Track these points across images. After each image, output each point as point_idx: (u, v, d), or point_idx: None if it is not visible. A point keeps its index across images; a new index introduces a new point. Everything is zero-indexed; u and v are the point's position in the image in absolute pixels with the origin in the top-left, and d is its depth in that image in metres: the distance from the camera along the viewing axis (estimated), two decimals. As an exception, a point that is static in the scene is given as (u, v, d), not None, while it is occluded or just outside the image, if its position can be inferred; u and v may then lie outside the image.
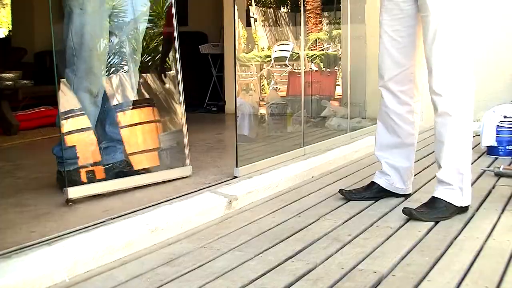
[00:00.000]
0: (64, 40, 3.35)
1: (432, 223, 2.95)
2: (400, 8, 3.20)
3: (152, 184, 3.49)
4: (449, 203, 3.06)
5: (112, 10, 3.48)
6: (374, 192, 3.45)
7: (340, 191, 3.50)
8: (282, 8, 17.80)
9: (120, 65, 3.62)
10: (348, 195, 3.46)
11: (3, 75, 6.27)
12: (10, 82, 6.27)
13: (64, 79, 3.36)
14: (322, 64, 9.78)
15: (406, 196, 3.48)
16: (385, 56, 3.30)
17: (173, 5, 3.68)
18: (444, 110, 3.03)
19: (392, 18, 3.24)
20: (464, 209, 3.11)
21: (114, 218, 2.78)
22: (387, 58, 3.28)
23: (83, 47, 3.35)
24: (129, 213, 2.87)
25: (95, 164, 3.35)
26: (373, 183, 3.48)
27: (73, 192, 3.08)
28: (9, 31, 13.09)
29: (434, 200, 3.10)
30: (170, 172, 3.68)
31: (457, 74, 3.01)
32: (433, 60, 3.03)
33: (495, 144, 4.88)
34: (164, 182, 3.57)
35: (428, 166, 4.32)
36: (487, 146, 4.92)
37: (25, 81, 6.47)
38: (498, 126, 4.88)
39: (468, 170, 3.11)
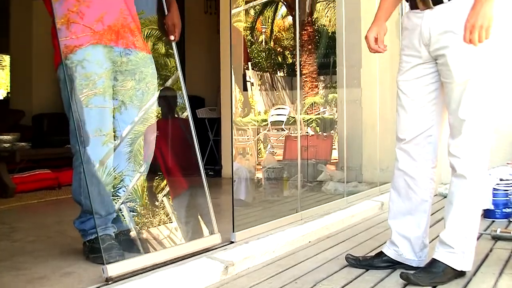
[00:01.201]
0: (66, 109, 3.22)
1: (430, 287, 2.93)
2: (418, 69, 3.12)
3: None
4: (449, 266, 3.03)
5: (117, 75, 3.37)
6: (383, 261, 3.30)
7: (347, 258, 3.40)
8: (278, 72, 18.03)
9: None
10: (355, 262, 3.36)
11: (1, 137, 6.30)
12: (8, 144, 6.29)
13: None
14: (318, 128, 9.86)
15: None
16: (403, 117, 3.19)
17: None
18: (461, 173, 3.00)
19: (410, 78, 3.14)
20: (462, 273, 3.10)
21: (108, 284, 2.76)
22: (405, 119, 3.18)
23: (90, 119, 3.19)
24: (124, 278, 2.85)
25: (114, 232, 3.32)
26: (382, 252, 3.35)
27: (112, 269, 2.85)
28: (8, 93, 13.23)
29: (433, 263, 3.06)
30: (200, 242, 3.54)
31: (478, 139, 2.98)
32: (457, 125, 2.99)
33: (492, 207, 4.88)
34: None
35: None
36: (483, 209, 4.92)
37: (22, 143, 6.50)
38: (494, 189, 4.89)
39: (473, 235, 3.07)
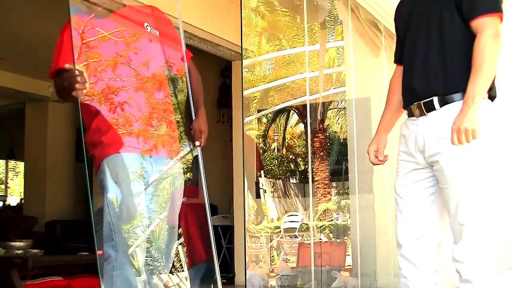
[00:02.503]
0: (99, 214, 3.19)
1: None
2: (415, 173, 3.12)
3: None
4: None
5: (148, 178, 3.37)
6: None
7: None
8: (291, 179, 18.11)
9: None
10: None
11: (13, 243, 6.30)
12: (20, 251, 6.28)
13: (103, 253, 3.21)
14: (331, 234, 9.81)
15: None
16: (400, 222, 3.17)
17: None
18: (466, 277, 2.94)
19: (406, 183, 3.15)
20: None
21: None
22: (403, 224, 3.16)
23: (122, 221, 3.18)
24: None
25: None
26: None
27: None
28: (21, 199, 13.31)
29: None
30: None
31: (480, 242, 2.93)
32: (457, 229, 2.96)
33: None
34: None
35: None
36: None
37: (35, 250, 6.49)
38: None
39: None
